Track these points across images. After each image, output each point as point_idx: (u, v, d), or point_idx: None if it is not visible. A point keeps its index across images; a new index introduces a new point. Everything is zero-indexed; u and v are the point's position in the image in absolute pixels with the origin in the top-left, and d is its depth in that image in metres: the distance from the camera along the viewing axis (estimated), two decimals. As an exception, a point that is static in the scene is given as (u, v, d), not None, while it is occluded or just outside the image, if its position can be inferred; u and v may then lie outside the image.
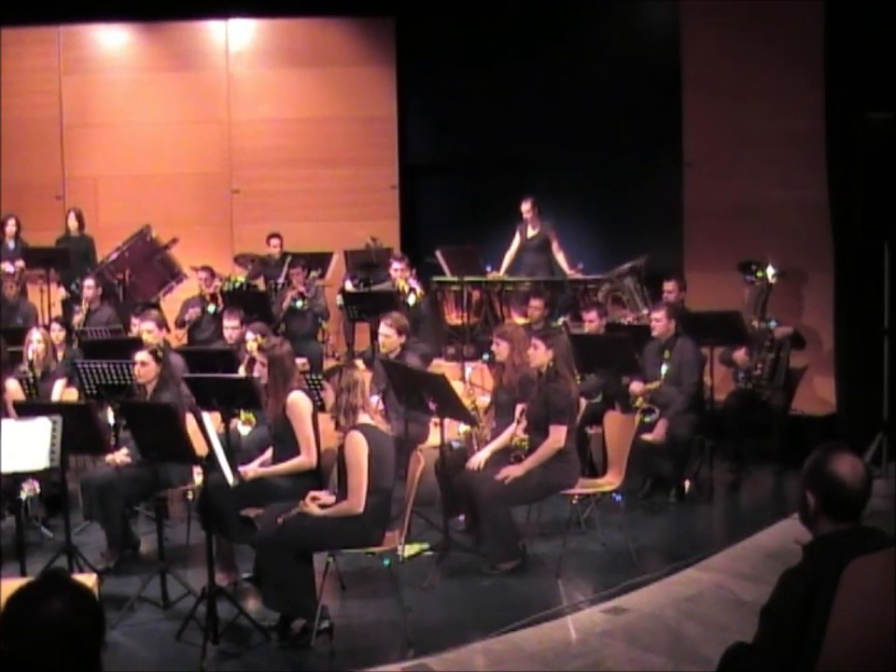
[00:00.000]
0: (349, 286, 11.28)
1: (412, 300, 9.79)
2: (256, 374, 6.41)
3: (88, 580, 4.84)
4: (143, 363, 6.49)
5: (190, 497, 6.57)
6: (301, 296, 10.49)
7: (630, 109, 11.20)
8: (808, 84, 8.47)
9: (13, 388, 7.31)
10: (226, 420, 6.16)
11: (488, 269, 10.86)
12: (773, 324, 8.28)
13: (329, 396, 5.51)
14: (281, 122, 12.99)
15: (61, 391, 7.85)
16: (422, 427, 7.17)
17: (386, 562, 5.48)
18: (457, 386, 6.86)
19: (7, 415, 6.29)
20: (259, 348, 6.59)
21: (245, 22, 13.05)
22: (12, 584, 2.58)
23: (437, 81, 13.11)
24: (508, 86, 12.22)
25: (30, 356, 7.70)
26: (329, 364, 9.78)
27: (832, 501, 2.96)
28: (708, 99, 9.70)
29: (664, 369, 7.68)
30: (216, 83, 13.03)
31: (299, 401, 5.94)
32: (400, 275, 10.21)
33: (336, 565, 5.71)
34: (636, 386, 7.66)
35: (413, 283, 10.19)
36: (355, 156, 12.92)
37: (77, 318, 9.91)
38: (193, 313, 10.35)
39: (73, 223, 11.69)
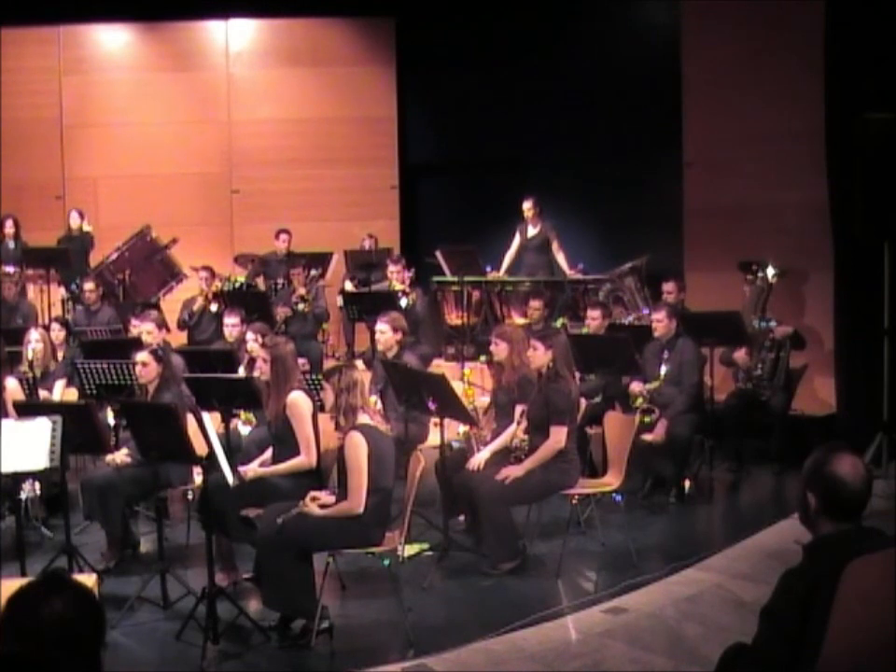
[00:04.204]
0: (349, 286, 11.30)
1: (404, 302, 9.72)
2: (256, 373, 6.41)
3: (88, 580, 4.83)
4: (143, 364, 6.48)
5: (190, 497, 6.57)
6: (302, 298, 10.50)
7: (630, 109, 11.21)
8: (808, 85, 8.47)
9: (13, 388, 7.31)
10: (226, 420, 6.16)
11: (488, 269, 10.87)
12: (773, 324, 8.28)
13: (328, 396, 5.50)
14: (281, 122, 13.00)
15: (61, 391, 7.85)
16: (422, 427, 7.18)
17: (386, 562, 5.48)
18: (457, 386, 6.86)
19: (7, 415, 6.28)
20: (263, 344, 6.59)
21: (245, 22, 13.07)
22: (12, 584, 2.58)
23: (437, 81, 13.12)
24: (508, 86, 12.22)
25: (29, 355, 7.69)
26: (328, 364, 9.78)
27: (832, 502, 2.96)
28: (708, 99, 9.71)
29: (664, 369, 7.69)
30: (216, 83, 13.04)
31: (299, 401, 5.94)
32: (396, 277, 10.20)
33: (336, 565, 5.71)
34: (636, 386, 7.66)
35: (407, 286, 10.13)
36: (355, 156, 12.94)
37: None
38: (196, 307, 10.36)
39: (75, 222, 11.70)
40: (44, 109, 12.76)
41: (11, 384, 7.33)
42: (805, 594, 2.83)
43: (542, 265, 10.91)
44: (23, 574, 5.43)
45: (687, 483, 7.64)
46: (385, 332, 7.38)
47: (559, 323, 9.17)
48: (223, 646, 5.24)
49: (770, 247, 8.82)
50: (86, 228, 11.79)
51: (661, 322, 7.81)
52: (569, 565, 6.25)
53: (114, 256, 11.29)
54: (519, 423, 6.47)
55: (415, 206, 13.51)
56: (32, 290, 11.07)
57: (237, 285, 10.88)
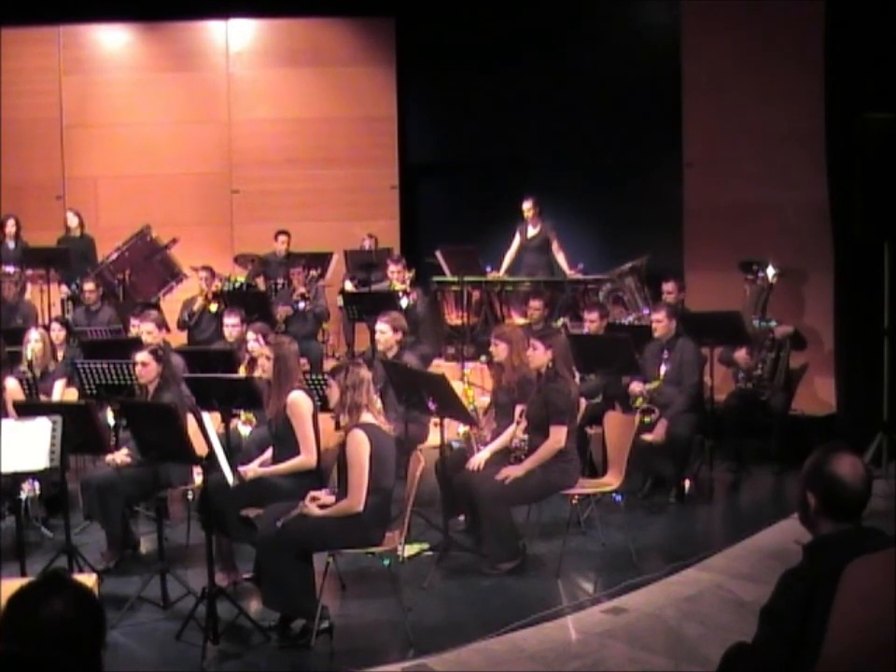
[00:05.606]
0: (349, 286, 11.30)
1: (404, 302, 9.71)
2: (258, 372, 6.41)
3: (88, 580, 4.83)
4: (143, 364, 6.48)
5: (190, 497, 6.57)
6: (303, 297, 10.49)
7: (631, 109, 11.21)
8: (808, 84, 8.47)
9: (13, 388, 7.31)
10: (226, 420, 6.16)
11: (488, 269, 10.86)
12: (773, 324, 8.28)
13: (333, 393, 5.49)
14: (281, 122, 13.00)
15: (61, 391, 7.85)
16: (422, 428, 7.18)
17: (386, 562, 5.48)
18: (457, 386, 6.86)
19: (7, 415, 6.28)
20: (268, 342, 6.60)
21: (245, 22, 13.07)
22: (12, 584, 2.58)
23: (437, 81, 13.12)
24: (508, 86, 12.22)
25: (29, 355, 7.69)
26: (329, 364, 9.78)
27: (832, 502, 2.96)
28: (708, 99, 9.70)
29: (663, 369, 7.69)
30: (216, 83, 13.04)
31: (299, 401, 5.94)
32: (396, 277, 10.19)
33: (336, 565, 5.71)
34: (636, 386, 7.66)
35: (408, 286, 10.11)
36: (355, 156, 12.94)
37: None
38: (196, 307, 10.36)
39: (72, 222, 11.70)
40: (44, 109, 12.76)
41: (11, 384, 7.32)
42: (805, 594, 2.83)
43: (542, 265, 10.91)
44: (23, 574, 5.43)
45: (687, 483, 7.64)
46: (385, 332, 7.39)
47: (559, 323, 9.17)
48: (223, 646, 5.24)
49: (770, 247, 8.82)
50: (86, 232, 11.78)
51: (661, 322, 7.81)
52: (569, 565, 6.25)
53: (114, 256, 11.28)
54: (519, 423, 6.47)
55: (415, 206, 13.51)
56: (31, 290, 11.07)
57: (237, 285, 10.88)
